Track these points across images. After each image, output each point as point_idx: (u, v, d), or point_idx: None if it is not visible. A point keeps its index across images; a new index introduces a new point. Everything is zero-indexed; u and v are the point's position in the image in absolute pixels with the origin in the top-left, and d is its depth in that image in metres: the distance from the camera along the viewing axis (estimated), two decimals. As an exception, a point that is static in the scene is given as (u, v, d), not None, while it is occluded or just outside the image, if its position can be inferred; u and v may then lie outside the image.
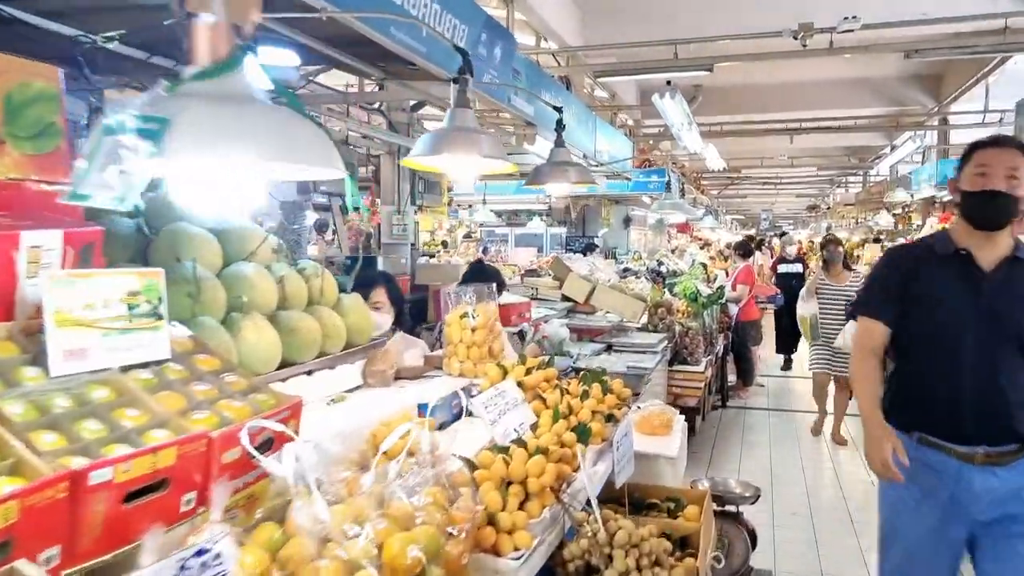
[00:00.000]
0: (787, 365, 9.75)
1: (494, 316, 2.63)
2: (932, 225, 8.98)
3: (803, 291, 6.52)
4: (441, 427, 2.19)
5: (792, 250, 10.48)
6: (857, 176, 21.67)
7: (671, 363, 5.77)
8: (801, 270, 9.89)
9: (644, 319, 5.81)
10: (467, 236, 13.40)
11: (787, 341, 9.69)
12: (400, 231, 5.92)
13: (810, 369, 6.61)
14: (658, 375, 5.28)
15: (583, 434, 2.06)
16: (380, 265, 5.24)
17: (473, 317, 2.52)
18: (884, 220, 13.55)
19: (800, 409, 7.71)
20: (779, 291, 8.69)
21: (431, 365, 2.64)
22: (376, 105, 5.83)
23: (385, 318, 3.15)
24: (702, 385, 5.71)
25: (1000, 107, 11.89)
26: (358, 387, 2.30)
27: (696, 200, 12.65)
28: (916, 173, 10.18)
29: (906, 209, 12.73)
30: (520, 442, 1.89)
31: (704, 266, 10.32)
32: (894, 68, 12.70)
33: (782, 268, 10.02)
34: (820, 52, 7.56)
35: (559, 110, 3.29)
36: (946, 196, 9.90)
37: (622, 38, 8.30)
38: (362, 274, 3.39)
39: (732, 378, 8.46)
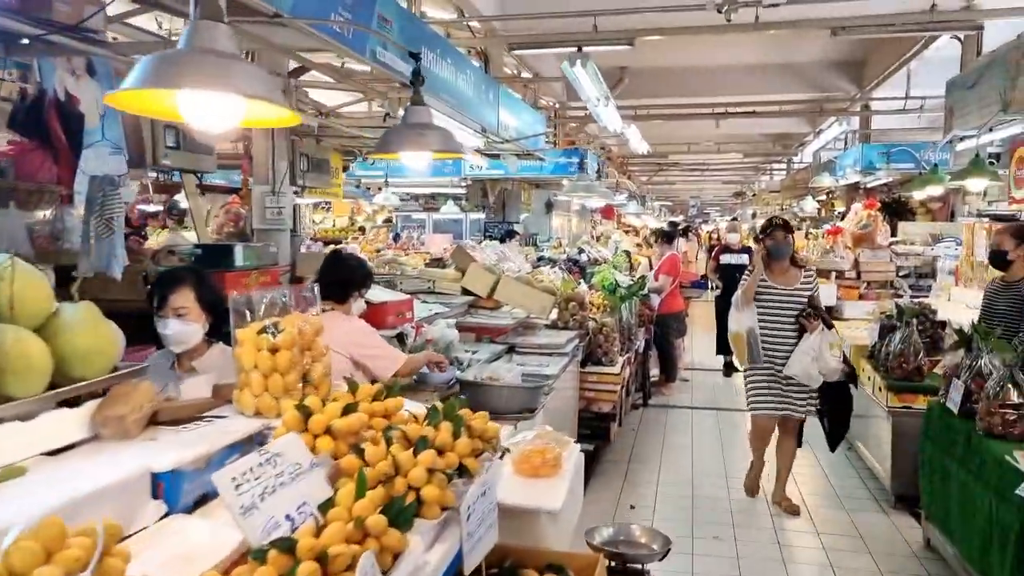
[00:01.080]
0: (728, 371, 8.65)
1: (313, 331, 1.93)
2: (856, 211, 8.72)
3: (736, 296, 4.70)
4: (196, 505, 1.48)
5: (735, 238, 9.25)
6: (782, 164, 21.80)
7: (584, 363, 5.18)
8: (747, 261, 8.85)
9: (554, 314, 5.20)
10: (387, 221, 12.59)
11: (726, 342, 8.97)
12: (275, 215, 5.11)
13: (748, 407, 4.77)
14: (567, 379, 4.69)
15: (401, 515, 1.39)
16: (240, 257, 4.41)
17: (273, 333, 1.81)
18: (809, 206, 13.40)
19: (726, 407, 7.29)
20: (705, 276, 8.25)
21: (222, 398, 1.92)
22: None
23: (190, 328, 2.40)
24: (618, 388, 5.15)
25: (921, 94, 11.92)
26: (83, 441, 1.56)
27: (619, 185, 12.18)
28: (841, 158, 9.95)
29: (830, 196, 12.60)
30: (285, 544, 1.20)
31: (628, 254, 9.82)
32: (818, 53, 12.56)
33: (725, 259, 8.72)
34: (745, 27, 7.13)
35: (416, 57, 2.60)
36: (871, 182, 9.67)
37: (540, 8, 7.67)
38: (167, 274, 2.64)
39: (656, 372, 7.99)
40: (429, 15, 7.64)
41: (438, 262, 6.50)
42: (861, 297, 8.20)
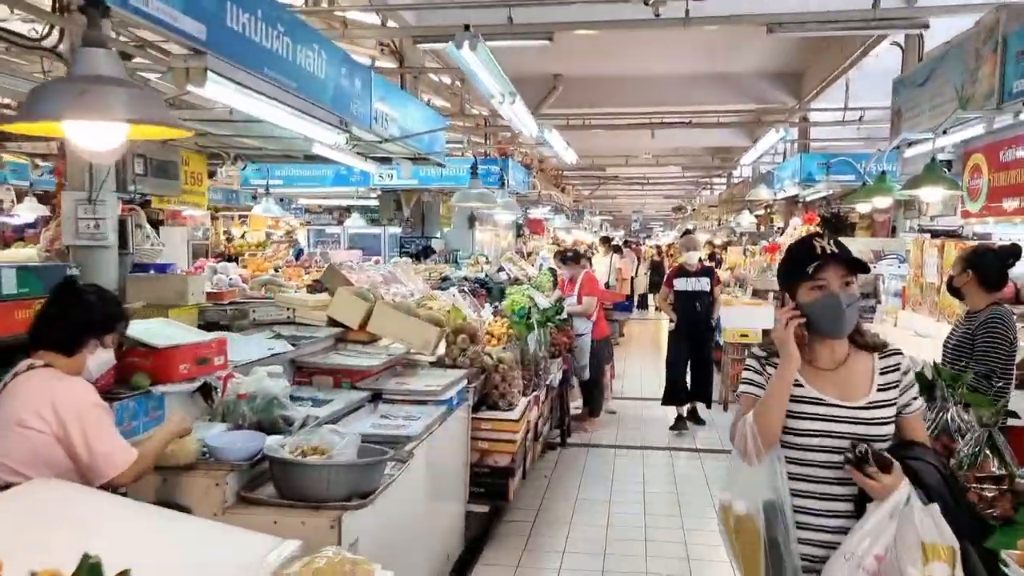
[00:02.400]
0: (679, 424, 6.86)
1: None
2: (796, 227, 8.12)
3: (738, 429, 2.13)
4: None
5: (694, 258, 7.20)
6: (721, 178, 21.53)
7: (477, 407, 4.29)
8: (709, 287, 7.01)
9: (442, 349, 4.30)
10: (287, 235, 11.52)
11: (678, 389, 7.01)
12: (90, 228, 4.09)
13: None
14: (450, 430, 3.79)
15: None
16: (8, 282, 3.38)
17: None
18: (746, 221, 12.87)
19: (654, 445, 6.49)
20: (630, 296, 7.48)
21: None
22: (52, 45, 3.98)
23: None
24: (518, 436, 4.27)
25: (860, 105, 11.55)
26: None
27: (545, 197, 11.42)
28: (778, 170, 9.38)
29: (768, 210, 12.10)
30: None
31: (553, 273, 9.00)
32: (755, 64, 12.15)
33: (681, 284, 6.99)
34: (675, 23, 6.46)
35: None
36: (810, 195, 9.10)
37: (451, -1, 6.85)
38: None
39: (579, 404, 7.17)
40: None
41: (319, 284, 5.53)
42: (801, 319, 7.55)
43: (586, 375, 6.77)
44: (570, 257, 7.00)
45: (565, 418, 6.48)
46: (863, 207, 6.60)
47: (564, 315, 6.46)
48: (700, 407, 7.22)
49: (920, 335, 4.99)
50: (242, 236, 15.24)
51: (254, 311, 4.29)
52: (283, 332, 4.12)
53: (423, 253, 9.92)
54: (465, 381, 4.08)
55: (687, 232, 6.14)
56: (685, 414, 7.03)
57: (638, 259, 17.39)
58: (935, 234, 9.49)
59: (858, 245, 8.39)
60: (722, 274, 10.66)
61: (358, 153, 5.16)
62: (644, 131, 14.09)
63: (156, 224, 11.47)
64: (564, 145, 8.84)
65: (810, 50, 11.33)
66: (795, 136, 12.78)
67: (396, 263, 6.30)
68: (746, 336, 7.64)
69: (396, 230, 11.03)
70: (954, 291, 3.69)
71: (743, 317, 7.65)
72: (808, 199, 9.51)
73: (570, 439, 6.46)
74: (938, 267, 4.83)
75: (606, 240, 13.79)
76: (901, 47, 8.30)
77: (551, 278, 8.69)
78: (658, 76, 12.72)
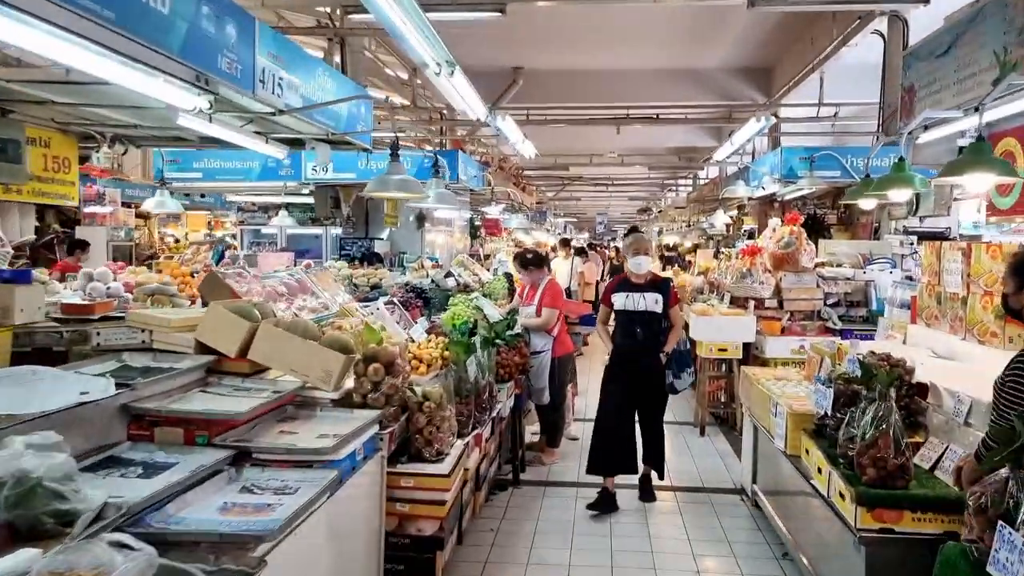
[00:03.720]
0: (604, 503, 4.88)
1: None
2: (775, 228, 7.30)
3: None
4: None
5: (642, 264, 5.06)
6: (687, 179, 20.86)
7: (396, 458, 3.31)
8: (661, 307, 4.99)
9: (350, 382, 3.31)
10: (209, 236, 10.37)
11: (608, 451, 4.96)
12: None
13: None
14: (352, 496, 2.80)
15: None
16: None
17: None
18: (719, 221, 12.08)
19: (623, 482, 5.55)
20: (588, 310, 6.57)
21: None
22: None
23: None
24: (449, 496, 3.29)
25: (834, 101, 10.88)
26: None
27: (509, 195, 10.46)
28: (757, 164, 8.57)
29: (740, 210, 11.34)
30: None
31: (510, 277, 8.05)
32: (724, 59, 11.45)
33: (620, 300, 5.06)
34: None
35: None
36: (790, 192, 8.30)
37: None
38: None
39: (536, 430, 6.23)
40: None
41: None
42: (784, 331, 6.72)
43: (545, 398, 5.82)
44: (531, 260, 6.03)
45: (519, 451, 5.52)
46: (866, 203, 5.78)
47: (518, 329, 5.50)
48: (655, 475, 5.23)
49: (939, 355, 4.15)
50: (186, 237, 14.02)
51: (98, 333, 3.25)
52: (133, 362, 3.10)
53: (367, 259, 8.89)
54: (376, 427, 3.10)
55: (633, 230, 5.05)
56: (613, 489, 4.93)
57: (604, 263, 16.56)
58: (922, 236, 8.81)
59: (844, 248, 7.61)
60: (693, 279, 9.83)
61: (257, 133, 4.14)
62: (608, 128, 13.29)
63: (72, 223, 10.29)
64: (520, 135, 7.91)
65: (781, 43, 10.61)
66: (765, 135, 12.14)
67: (312, 268, 5.25)
68: (724, 351, 6.79)
69: (339, 231, 9.99)
70: (1014, 312, 2.82)
71: (721, 329, 6.80)
72: (786, 198, 8.72)
73: (525, 475, 5.50)
74: (963, 275, 3.99)
75: (566, 242, 12.90)
76: (883, 36, 7.57)
77: (506, 284, 7.73)
78: (623, 70, 11.95)
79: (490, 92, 11.74)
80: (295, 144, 4.64)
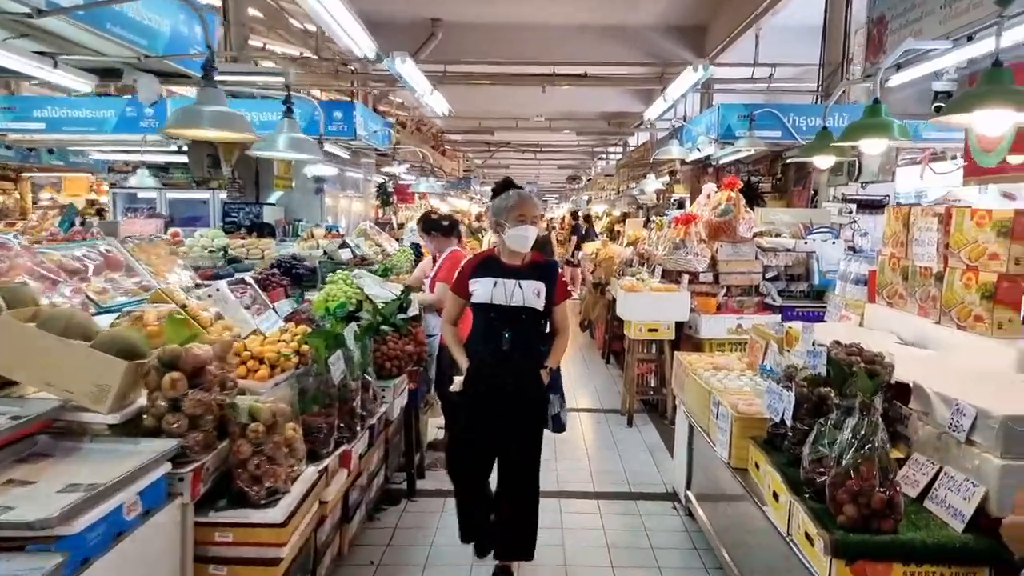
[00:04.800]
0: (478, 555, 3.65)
1: None
2: (710, 194, 6.58)
3: None
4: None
5: (521, 239, 3.33)
6: (618, 147, 20.20)
7: (210, 503, 2.37)
8: (541, 303, 3.31)
9: (143, 399, 2.35)
10: (74, 204, 9.00)
11: (472, 516, 3.55)
12: None
13: None
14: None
15: None
16: None
17: None
18: (650, 187, 11.34)
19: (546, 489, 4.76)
20: None
21: None
22: None
23: None
24: (286, 553, 2.38)
25: (769, 60, 10.29)
26: None
27: (423, 157, 9.42)
28: (693, 123, 7.84)
29: (672, 177, 10.67)
30: None
31: (418, 248, 7.11)
32: (655, 16, 10.70)
33: (482, 291, 3.34)
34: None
35: None
36: (726, 155, 7.61)
37: None
38: None
39: (442, 423, 5.36)
40: None
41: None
42: (720, 308, 6.03)
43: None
44: (434, 223, 5.07)
45: (415, 455, 4.65)
46: (823, 161, 5.06)
47: (414, 311, 4.60)
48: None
49: (907, 342, 3.48)
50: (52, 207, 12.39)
51: None
52: None
53: (256, 226, 7.77)
54: (167, 464, 2.16)
55: (506, 184, 3.42)
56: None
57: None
58: (861, 205, 8.31)
59: (784, 216, 6.98)
60: (621, 250, 9.10)
61: (41, 54, 3.05)
62: (534, 89, 12.38)
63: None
64: (426, 84, 6.90)
65: (715, 3, 9.97)
66: (699, 92, 11.47)
67: (143, 239, 4.16)
68: (655, 331, 6.05)
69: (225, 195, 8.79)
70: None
71: (651, 307, 6.07)
72: (721, 162, 8.04)
73: (423, 482, 4.64)
74: (939, 246, 3.30)
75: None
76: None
77: (412, 257, 6.80)
78: (548, 25, 11.10)
79: (406, 45, 10.70)
80: (108, 75, 3.55)
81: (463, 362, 3.34)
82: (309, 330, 3.31)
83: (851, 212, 7.64)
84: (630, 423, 6.03)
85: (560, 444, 5.44)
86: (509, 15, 10.74)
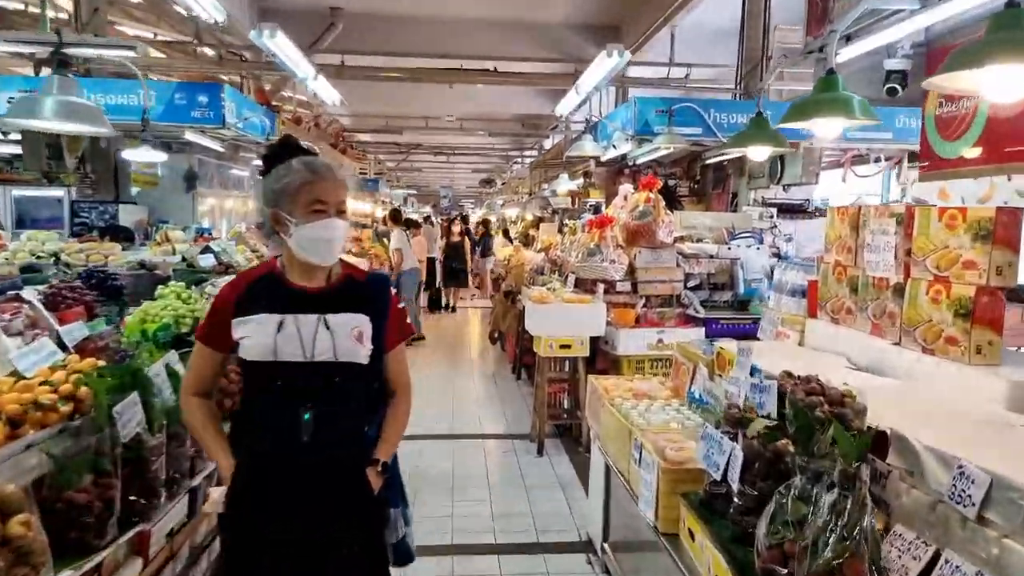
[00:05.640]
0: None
1: None
2: (628, 195, 6.01)
3: None
4: None
5: (327, 244, 2.01)
6: (533, 149, 19.70)
7: None
8: (364, 357, 1.97)
9: None
10: None
11: None
12: None
13: None
14: None
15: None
16: None
17: None
18: (563, 187, 10.72)
19: (428, 542, 3.99)
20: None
21: None
22: None
23: None
24: None
25: (685, 60, 9.95)
26: None
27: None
28: (609, 117, 7.26)
29: (587, 179, 10.12)
30: None
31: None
32: (567, 14, 10.19)
33: (254, 334, 1.95)
34: None
35: None
36: (643, 154, 7.07)
37: None
38: None
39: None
40: None
41: None
42: (638, 321, 5.44)
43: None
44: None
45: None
46: (758, 152, 4.49)
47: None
48: None
49: (859, 367, 2.91)
50: None
51: None
52: None
53: (111, 229, 6.67)
54: None
55: (285, 147, 1.92)
56: None
57: (443, 237, 14.78)
58: (782, 209, 7.96)
59: (705, 220, 6.48)
60: (533, 256, 8.47)
61: None
62: (443, 89, 11.69)
63: None
64: (309, 67, 6.03)
65: (628, 2, 9.57)
66: (612, 95, 11.03)
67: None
68: (568, 347, 5.39)
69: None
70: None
71: (563, 320, 5.42)
72: (639, 161, 7.52)
73: None
74: (898, 252, 2.75)
75: (395, 215, 11.10)
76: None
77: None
78: (456, 19, 10.44)
79: (304, 36, 9.81)
80: None
81: (225, 466, 2.01)
82: (101, 364, 2.44)
83: (772, 216, 7.25)
84: (540, 451, 5.34)
85: (459, 481, 4.69)
86: (414, 7, 10.03)
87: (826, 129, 2.77)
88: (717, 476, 2.20)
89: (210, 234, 6.86)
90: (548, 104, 15.11)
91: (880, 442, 2.07)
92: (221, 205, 8.63)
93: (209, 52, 9.10)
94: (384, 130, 17.03)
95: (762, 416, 2.22)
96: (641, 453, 2.78)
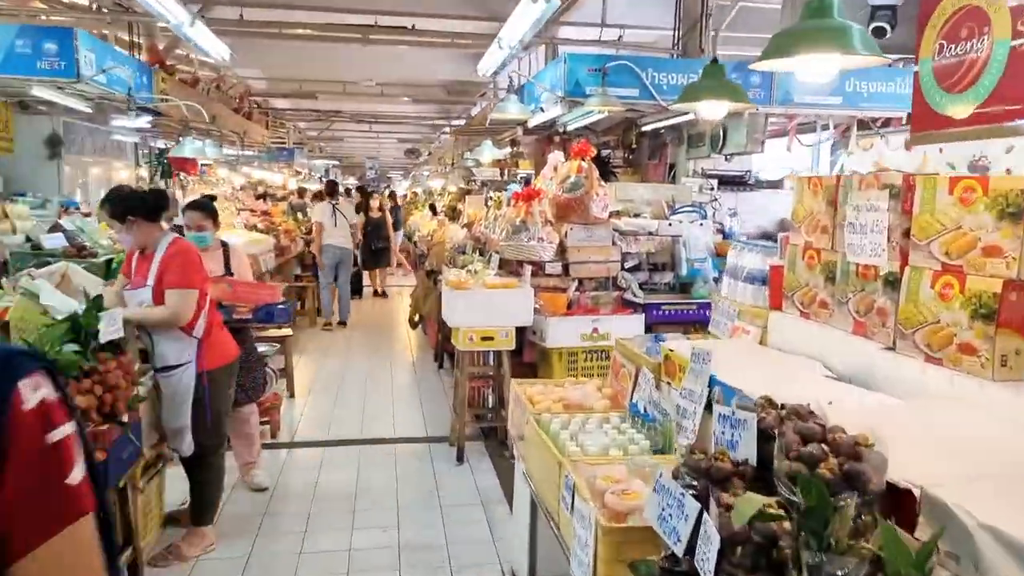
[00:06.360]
0: None
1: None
2: (558, 165, 5.36)
3: None
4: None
5: None
6: (461, 120, 18.81)
7: None
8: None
9: None
10: None
11: None
12: None
13: None
14: None
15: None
16: None
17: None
18: (487, 154, 9.96)
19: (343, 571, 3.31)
20: (277, 295, 4.16)
21: None
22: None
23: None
24: None
25: (619, 22, 9.33)
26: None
27: (209, 120, 7.47)
28: (537, 77, 6.55)
29: (514, 147, 9.41)
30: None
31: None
32: None
33: None
34: None
35: None
36: (574, 121, 6.42)
37: None
38: None
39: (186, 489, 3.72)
40: None
41: None
42: (570, 307, 4.81)
43: (186, 447, 3.36)
44: (128, 200, 3.36)
45: (120, 551, 3.03)
46: (711, 110, 3.82)
47: (112, 332, 2.95)
48: None
49: (838, 376, 2.34)
50: None
51: None
52: None
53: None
54: None
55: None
56: None
57: (365, 212, 13.60)
58: (723, 181, 7.46)
59: (642, 192, 5.89)
60: (454, 232, 7.77)
61: None
62: (358, 47, 10.67)
63: None
64: (183, 15, 5.08)
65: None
66: (542, 56, 10.32)
67: None
68: (490, 339, 4.72)
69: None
70: None
71: (485, 308, 4.75)
72: (570, 127, 6.86)
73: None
74: (890, 232, 2.18)
75: (332, 187, 10.00)
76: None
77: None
78: None
79: None
80: None
81: None
82: None
83: (712, 189, 6.74)
84: (460, 458, 4.68)
85: (362, 503, 4.00)
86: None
87: (817, 71, 2.14)
88: (678, 550, 1.58)
89: (78, 208, 5.87)
90: (475, 69, 14.28)
91: (903, 504, 1.49)
92: (98, 175, 7.55)
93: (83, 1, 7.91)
94: (298, 94, 15.83)
95: (737, 463, 1.61)
96: (574, 496, 2.15)
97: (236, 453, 4.24)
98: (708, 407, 2.28)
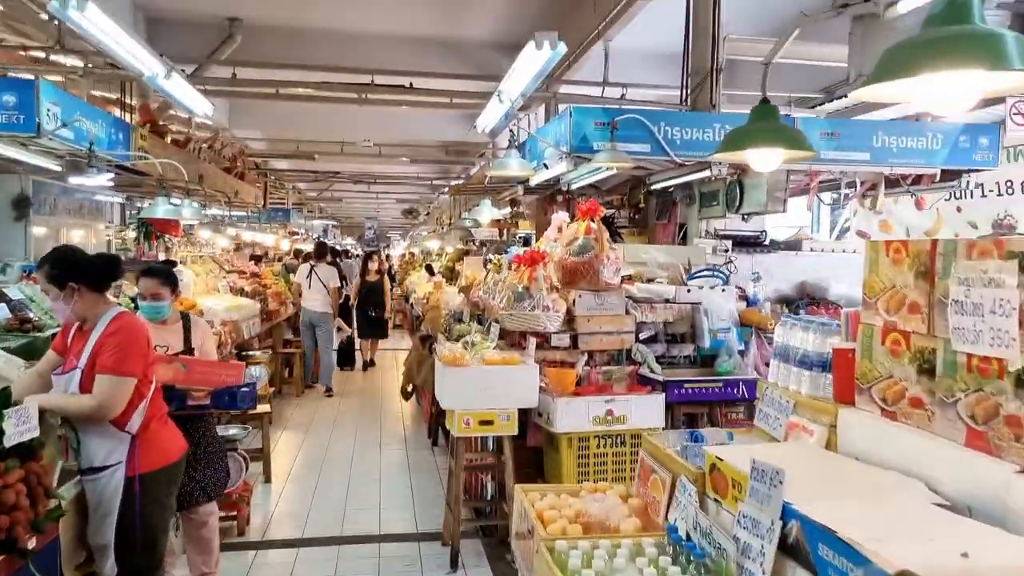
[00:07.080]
0: None
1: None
2: (563, 225, 4.88)
3: None
4: None
5: None
6: (460, 180, 18.57)
7: None
8: None
9: None
10: None
11: None
12: None
13: None
14: None
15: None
16: None
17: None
18: (486, 214, 9.48)
19: None
20: (240, 377, 3.58)
21: None
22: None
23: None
24: None
25: (621, 80, 9.09)
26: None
27: (192, 175, 7.02)
28: (540, 132, 6.12)
29: (514, 207, 8.99)
30: None
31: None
32: (489, 30, 9.25)
33: None
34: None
35: None
36: (580, 179, 5.97)
37: None
38: None
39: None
40: None
41: None
42: (580, 384, 4.24)
43: (107, 568, 2.74)
44: (62, 262, 2.85)
45: None
46: (763, 160, 3.30)
47: (19, 437, 2.37)
48: None
49: (953, 504, 1.77)
50: None
51: None
52: None
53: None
54: None
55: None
56: None
57: (362, 276, 12.83)
58: (738, 242, 6.97)
59: (656, 255, 5.38)
60: (451, 296, 7.24)
61: None
62: (357, 108, 10.38)
63: None
64: (157, 64, 4.68)
65: (558, 12, 8.63)
66: (542, 116, 10.03)
67: None
68: (489, 424, 4.13)
69: None
70: None
71: (483, 388, 4.18)
72: (573, 185, 6.41)
73: None
74: (1022, 311, 1.64)
75: (320, 249, 9.57)
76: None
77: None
78: (367, 35, 9.40)
79: (197, 50, 8.51)
80: None
81: None
82: None
83: (727, 251, 6.24)
84: (455, 564, 4.03)
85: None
86: (322, 20, 8.91)
87: (944, 99, 1.64)
88: None
89: (24, 271, 5.35)
90: (475, 131, 14.04)
91: None
92: (74, 237, 7.07)
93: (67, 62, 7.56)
94: (296, 155, 15.60)
95: None
96: None
97: (190, 563, 3.59)
98: (783, 546, 1.72)
